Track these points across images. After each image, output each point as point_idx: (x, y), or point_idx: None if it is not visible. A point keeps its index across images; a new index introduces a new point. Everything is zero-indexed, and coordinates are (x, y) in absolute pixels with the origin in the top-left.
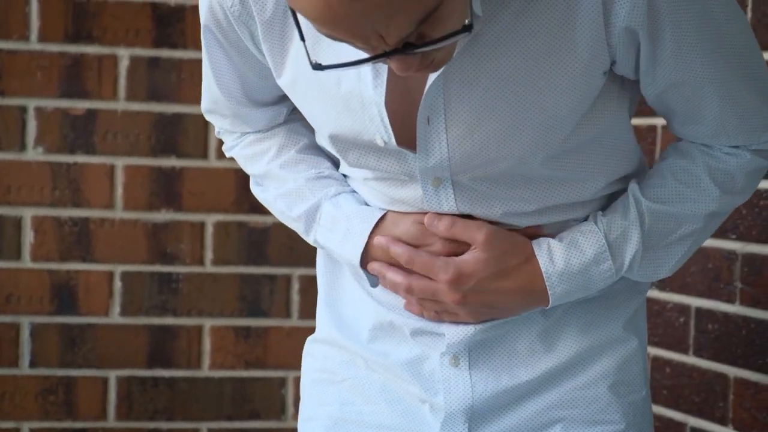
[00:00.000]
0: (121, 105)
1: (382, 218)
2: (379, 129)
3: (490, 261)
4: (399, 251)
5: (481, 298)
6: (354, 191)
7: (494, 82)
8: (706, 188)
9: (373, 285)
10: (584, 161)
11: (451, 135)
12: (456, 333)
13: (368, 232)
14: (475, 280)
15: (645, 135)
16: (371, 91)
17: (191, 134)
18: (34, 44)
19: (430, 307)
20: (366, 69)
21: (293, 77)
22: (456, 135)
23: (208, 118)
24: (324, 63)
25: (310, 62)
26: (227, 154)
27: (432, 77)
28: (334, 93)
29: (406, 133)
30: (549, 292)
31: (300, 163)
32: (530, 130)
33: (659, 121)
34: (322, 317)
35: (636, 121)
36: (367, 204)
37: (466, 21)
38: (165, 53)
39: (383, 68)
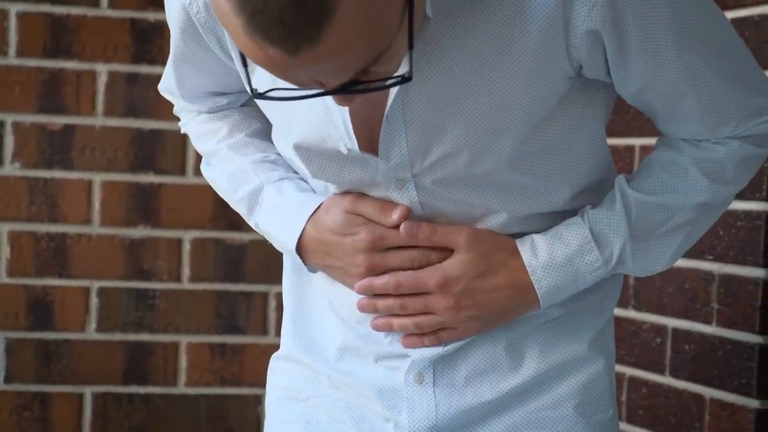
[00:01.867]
0: (99, 120)
1: (319, 207)
2: (342, 136)
3: (475, 260)
4: (383, 281)
5: (474, 301)
6: (300, 178)
7: (448, 80)
8: (693, 179)
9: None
10: (548, 165)
11: (409, 131)
12: (421, 352)
13: (305, 219)
14: (464, 282)
15: (623, 155)
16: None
17: (169, 150)
18: (12, 59)
19: (428, 326)
20: None
21: (260, 84)
22: (414, 130)
23: (164, 95)
24: (277, 86)
25: (249, 89)
26: (182, 130)
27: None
28: (300, 102)
29: (368, 139)
30: (536, 287)
31: (248, 146)
32: (485, 127)
33: (637, 141)
34: (287, 334)
35: (613, 141)
36: (313, 190)
37: (405, 73)
38: (143, 69)
39: None
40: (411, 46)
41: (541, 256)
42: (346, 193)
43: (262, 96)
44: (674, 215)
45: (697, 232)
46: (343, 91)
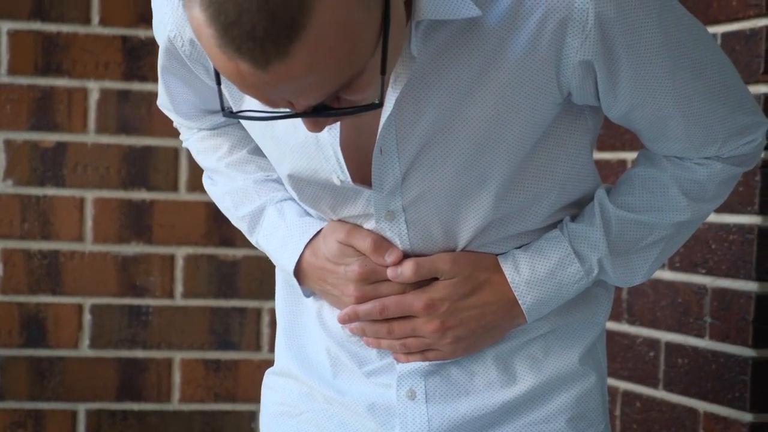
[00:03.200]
0: (91, 138)
1: (318, 233)
2: (335, 168)
3: (459, 283)
4: (368, 307)
5: (459, 320)
6: None
7: (440, 112)
8: (674, 198)
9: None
10: (530, 192)
11: (403, 163)
12: (408, 365)
13: (303, 245)
14: (449, 302)
15: (615, 169)
16: (326, 133)
17: (161, 167)
18: (3, 77)
19: (415, 346)
20: None
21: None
22: (407, 163)
23: (163, 111)
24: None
25: (222, 107)
26: (183, 144)
27: (386, 113)
28: (290, 134)
29: (360, 171)
30: (520, 302)
31: (249, 163)
32: (477, 155)
33: (629, 156)
34: (281, 350)
35: (605, 155)
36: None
37: (377, 100)
38: (135, 86)
39: None
40: (383, 72)
41: (523, 271)
42: (343, 222)
43: (235, 115)
44: (653, 232)
45: (674, 245)
46: (313, 114)
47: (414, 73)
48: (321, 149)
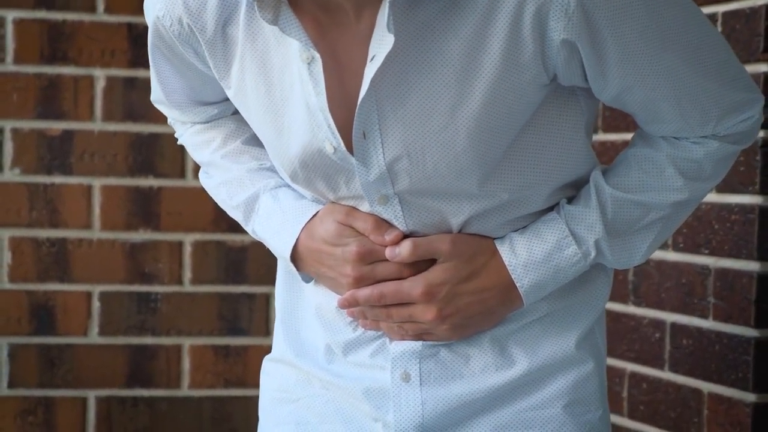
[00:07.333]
0: (97, 125)
1: (314, 216)
2: (327, 135)
3: (458, 266)
4: (366, 293)
5: (457, 306)
6: None
7: (425, 96)
8: (669, 178)
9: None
10: (524, 177)
11: (387, 148)
12: (400, 345)
13: (299, 228)
14: (447, 288)
15: (619, 150)
16: (314, 98)
17: (168, 154)
18: (9, 66)
19: (413, 330)
20: (305, 77)
21: (240, 91)
22: (392, 148)
23: (157, 107)
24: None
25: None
26: (178, 141)
27: (363, 91)
28: (281, 105)
29: (350, 145)
30: (517, 285)
31: (243, 154)
32: (466, 143)
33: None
34: (278, 337)
35: (609, 136)
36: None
37: None
38: (141, 73)
39: (320, 76)
40: None
41: (521, 254)
42: (341, 204)
43: None
44: (650, 212)
45: (672, 225)
46: None
47: (394, 53)
48: (312, 116)
